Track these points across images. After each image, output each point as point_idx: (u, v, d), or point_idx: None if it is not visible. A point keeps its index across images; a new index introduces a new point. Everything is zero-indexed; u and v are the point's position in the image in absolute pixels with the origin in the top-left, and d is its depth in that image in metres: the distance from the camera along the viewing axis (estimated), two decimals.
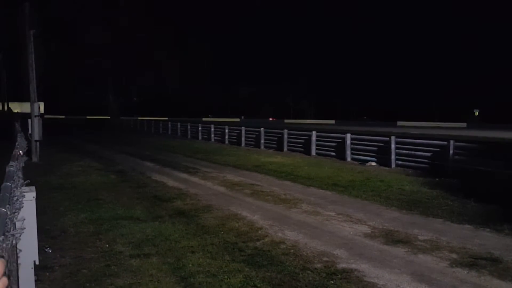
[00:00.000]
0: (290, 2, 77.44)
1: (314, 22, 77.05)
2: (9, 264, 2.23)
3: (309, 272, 4.81)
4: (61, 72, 58.71)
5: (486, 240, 6.01)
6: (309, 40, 76.46)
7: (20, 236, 2.48)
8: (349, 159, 15.21)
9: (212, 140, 25.99)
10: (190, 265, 4.97)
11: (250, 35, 76.42)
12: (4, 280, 1.10)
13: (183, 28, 68.33)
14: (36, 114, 15.01)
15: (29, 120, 15.11)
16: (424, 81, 66.06)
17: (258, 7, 78.38)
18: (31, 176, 5.86)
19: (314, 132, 17.44)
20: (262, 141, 20.68)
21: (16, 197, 2.85)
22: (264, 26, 76.22)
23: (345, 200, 8.80)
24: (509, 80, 55.29)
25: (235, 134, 23.86)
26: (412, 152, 13.10)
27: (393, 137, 13.76)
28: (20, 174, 4.14)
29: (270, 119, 73.30)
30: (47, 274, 4.71)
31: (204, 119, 58.72)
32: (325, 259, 5.25)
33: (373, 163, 14.11)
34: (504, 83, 56.59)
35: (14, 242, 2.42)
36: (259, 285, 4.45)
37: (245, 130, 22.78)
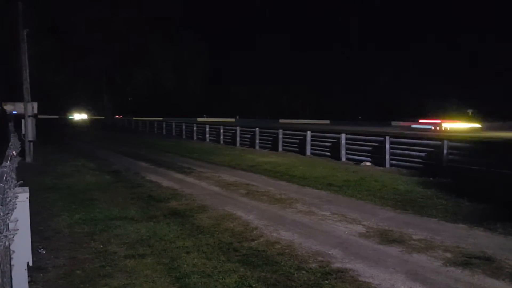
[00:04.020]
0: (287, 2, 77.44)
1: (311, 22, 77.13)
2: (2, 265, 2.22)
3: (304, 272, 4.81)
4: (55, 71, 58.35)
5: (479, 239, 6.04)
6: (307, 39, 76.53)
7: (13, 237, 2.47)
8: (344, 159, 15.25)
9: (207, 140, 25.97)
10: (185, 266, 4.96)
11: (247, 35, 76.28)
12: None
13: (178, 27, 68.09)
14: (30, 114, 14.93)
15: (23, 120, 15.03)
16: (420, 81, 66.32)
17: (256, 6, 78.27)
18: (24, 177, 5.83)
19: (309, 132, 17.46)
20: (257, 141, 20.69)
21: (9, 198, 2.84)
22: (261, 25, 76.18)
23: (340, 200, 8.82)
24: (503, 79, 55.62)
25: (230, 134, 23.86)
26: (407, 152, 13.15)
27: (387, 137, 13.81)
28: (13, 174, 4.12)
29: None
30: (41, 275, 4.68)
31: (199, 119, 58.49)
32: (320, 258, 5.26)
33: (368, 163, 14.16)
34: (497, 83, 56.92)
35: (7, 243, 2.40)
36: (254, 285, 4.45)
37: (240, 130, 22.78)
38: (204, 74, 75.22)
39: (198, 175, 12.22)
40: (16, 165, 5.43)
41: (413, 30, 66.58)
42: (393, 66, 67.02)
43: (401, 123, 39.71)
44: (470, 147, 12.35)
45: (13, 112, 14.93)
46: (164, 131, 35.07)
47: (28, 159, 14.65)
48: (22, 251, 3.52)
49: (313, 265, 5.04)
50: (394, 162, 13.39)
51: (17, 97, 17.63)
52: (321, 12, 74.78)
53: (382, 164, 13.52)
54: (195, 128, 28.64)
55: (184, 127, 30.97)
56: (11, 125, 18.62)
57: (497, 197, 8.40)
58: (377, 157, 13.94)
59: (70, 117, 67.09)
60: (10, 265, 3.16)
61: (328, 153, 16.23)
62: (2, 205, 2.33)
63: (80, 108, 71.25)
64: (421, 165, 12.47)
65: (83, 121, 59.33)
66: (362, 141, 15.39)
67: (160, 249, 5.55)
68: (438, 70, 63.79)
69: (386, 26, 68.89)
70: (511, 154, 11.25)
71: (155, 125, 38.32)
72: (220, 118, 60.93)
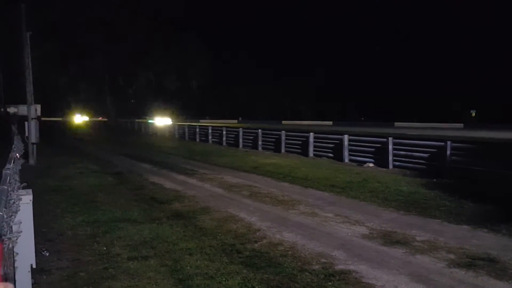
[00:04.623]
0: (288, 2, 77.62)
1: (311, 23, 77.20)
2: (5, 268, 2.22)
3: (307, 273, 4.80)
4: (58, 73, 58.53)
5: (483, 241, 6.02)
6: (307, 40, 76.59)
7: (16, 239, 2.47)
8: (346, 160, 15.23)
9: (210, 141, 25.98)
10: (188, 267, 4.96)
11: (247, 36, 76.42)
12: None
13: (179, 28, 68.19)
14: (33, 116, 14.97)
15: (26, 123, 15.07)
16: (421, 82, 66.29)
17: (256, 7, 78.38)
18: (28, 179, 5.85)
19: (311, 133, 17.45)
20: (260, 142, 20.68)
21: (13, 200, 2.84)
22: (261, 26, 76.29)
23: (343, 201, 8.81)
24: (506, 80, 55.49)
25: (233, 135, 23.86)
26: (410, 153, 13.12)
27: (390, 138, 13.78)
28: (16, 177, 4.13)
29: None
30: (44, 277, 4.69)
31: (201, 121, 58.46)
32: (323, 260, 5.25)
33: (371, 164, 14.13)
34: (500, 83, 56.81)
35: (10, 245, 2.41)
36: (257, 287, 4.44)
37: (243, 132, 22.79)
38: (206, 75, 75.29)
39: (201, 176, 12.23)
40: (20, 167, 5.43)
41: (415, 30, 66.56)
42: (394, 66, 66.91)
43: None
44: (473, 148, 12.31)
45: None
46: (166, 132, 35.10)
47: (32, 161, 14.68)
48: (25, 253, 3.53)
49: (316, 266, 5.03)
50: (397, 163, 13.36)
51: (20, 99, 17.70)
52: (322, 13, 74.82)
53: (385, 165, 13.49)
54: (197, 130, 28.67)
55: (186, 129, 31.01)
56: (14, 127, 18.67)
57: (500, 198, 8.37)
58: (380, 158, 13.91)
59: (150, 121, 48.51)
60: (14, 267, 3.16)
61: (330, 154, 16.21)
62: (5, 207, 2.34)
63: (163, 110, 55.25)
64: (424, 166, 12.44)
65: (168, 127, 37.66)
66: (365, 142, 15.36)
67: (163, 251, 5.55)
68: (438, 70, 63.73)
69: (388, 27, 68.89)
70: None
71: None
72: (223, 120, 60.99)
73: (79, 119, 60.16)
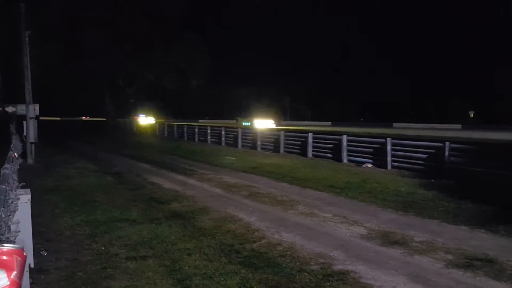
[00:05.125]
0: (287, 2, 77.51)
1: (311, 22, 77.21)
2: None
3: (305, 273, 4.81)
4: (57, 73, 58.41)
5: (481, 241, 6.03)
6: (306, 41, 76.60)
7: (14, 239, 2.47)
8: (345, 160, 15.23)
9: (209, 142, 25.97)
10: (187, 268, 4.96)
11: (247, 35, 76.34)
12: None
13: (179, 28, 68.11)
14: (32, 116, 14.96)
15: (24, 122, 15.06)
16: (421, 82, 66.32)
17: (256, 7, 78.28)
18: (26, 179, 5.84)
19: (310, 134, 17.46)
20: (259, 143, 20.68)
21: (11, 200, 2.84)
22: (261, 26, 76.26)
23: (342, 202, 8.81)
24: (506, 80, 55.51)
25: (232, 136, 23.86)
26: (408, 153, 13.13)
27: (389, 139, 13.79)
28: (15, 176, 4.13)
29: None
30: (43, 277, 4.68)
31: (200, 121, 58.43)
32: (321, 260, 5.25)
33: (369, 165, 14.14)
34: (500, 84, 56.82)
35: None
36: (255, 287, 4.45)
37: (242, 132, 22.79)
38: (205, 75, 75.18)
39: (200, 176, 12.23)
40: (18, 167, 5.44)
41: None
42: (393, 66, 67.00)
43: None
44: (471, 149, 12.33)
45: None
46: (165, 133, 35.12)
47: (30, 161, 14.67)
48: None
49: (315, 267, 5.04)
50: (395, 164, 13.37)
51: (19, 99, 17.67)
52: (322, 12, 74.92)
53: (384, 166, 13.49)
54: (196, 130, 28.67)
55: (185, 129, 31.02)
56: (12, 126, 18.64)
57: (499, 199, 8.38)
58: (379, 159, 13.92)
59: (244, 123, 41.96)
60: None
61: (329, 155, 16.21)
62: (3, 207, 2.34)
63: (263, 110, 49.12)
64: (422, 167, 12.45)
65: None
66: (363, 143, 15.37)
67: (162, 251, 5.55)
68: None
69: (387, 27, 69.01)
70: None
71: (157, 127, 38.34)
72: (222, 120, 60.97)
73: (144, 120, 63.21)
